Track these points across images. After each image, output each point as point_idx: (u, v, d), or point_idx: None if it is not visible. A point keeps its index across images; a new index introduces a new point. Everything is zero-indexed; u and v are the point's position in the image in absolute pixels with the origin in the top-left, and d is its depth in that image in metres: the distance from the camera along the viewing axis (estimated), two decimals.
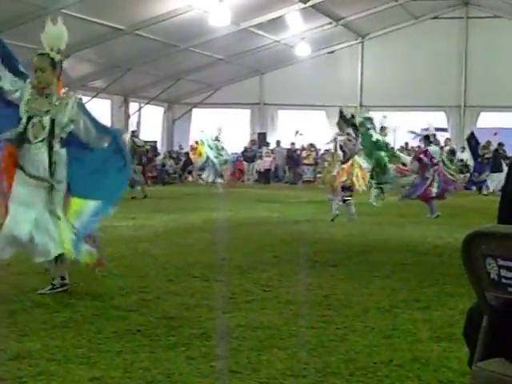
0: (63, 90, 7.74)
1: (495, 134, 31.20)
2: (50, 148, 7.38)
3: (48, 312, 6.68)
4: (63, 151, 7.48)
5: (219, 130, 26.82)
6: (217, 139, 26.57)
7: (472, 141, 30.17)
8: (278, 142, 37.29)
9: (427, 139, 18.26)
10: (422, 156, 17.93)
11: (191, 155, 29.66)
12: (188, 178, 36.39)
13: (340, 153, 16.18)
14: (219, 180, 26.45)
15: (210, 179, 26.56)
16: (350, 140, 16.22)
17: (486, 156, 29.25)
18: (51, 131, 7.38)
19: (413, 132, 32.69)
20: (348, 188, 16.08)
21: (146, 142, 27.01)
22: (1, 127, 7.46)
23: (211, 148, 26.28)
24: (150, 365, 5.18)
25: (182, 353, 5.47)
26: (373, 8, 31.83)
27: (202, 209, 18.53)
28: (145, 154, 26.88)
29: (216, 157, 26.22)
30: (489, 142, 29.77)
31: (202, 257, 10.21)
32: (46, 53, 7.56)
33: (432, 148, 17.95)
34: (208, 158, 26.16)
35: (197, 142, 27.92)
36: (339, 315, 6.75)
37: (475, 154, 29.65)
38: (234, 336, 5.94)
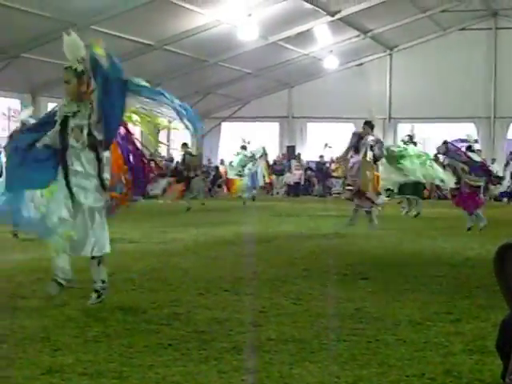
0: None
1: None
2: (94, 150, 7.57)
3: (80, 326, 6.71)
4: (106, 154, 7.67)
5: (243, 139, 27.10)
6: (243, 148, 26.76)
7: None
8: None
9: (469, 148, 18.12)
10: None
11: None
12: (218, 192, 36.43)
13: (370, 153, 16.29)
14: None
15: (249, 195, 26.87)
16: (378, 141, 16.53)
17: None
18: (90, 134, 7.53)
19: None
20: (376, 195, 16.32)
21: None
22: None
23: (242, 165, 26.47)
24: (181, 379, 5.19)
25: (214, 367, 5.47)
26: (400, 20, 31.81)
27: (231, 222, 18.55)
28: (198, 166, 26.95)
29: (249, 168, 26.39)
30: None
31: (232, 270, 10.21)
32: (69, 66, 7.97)
33: (472, 154, 17.84)
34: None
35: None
36: (370, 328, 6.73)
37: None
38: (265, 349, 5.94)
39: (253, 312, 7.33)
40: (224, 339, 6.27)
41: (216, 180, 36.43)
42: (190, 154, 25.91)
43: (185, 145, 26.67)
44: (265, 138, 38.39)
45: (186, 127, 7.88)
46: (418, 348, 6.04)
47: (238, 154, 26.97)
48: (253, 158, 26.67)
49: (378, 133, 34.80)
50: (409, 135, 20.78)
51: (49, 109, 28.32)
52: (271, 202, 30.22)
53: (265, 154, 27.57)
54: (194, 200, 23.29)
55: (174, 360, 5.64)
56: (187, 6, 24.06)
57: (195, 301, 8.00)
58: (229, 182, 28.56)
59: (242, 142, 27.21)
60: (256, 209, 24.40)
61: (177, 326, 6.77)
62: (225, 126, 39.88)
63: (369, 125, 16.74)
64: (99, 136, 7.58)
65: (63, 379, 5.15)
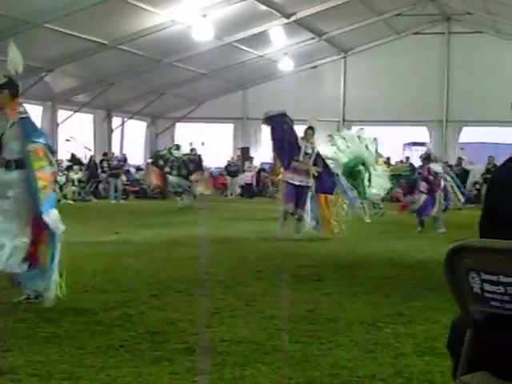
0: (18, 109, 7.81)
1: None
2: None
3: (31, 327, 6.65)
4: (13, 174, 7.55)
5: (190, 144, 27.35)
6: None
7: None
8: None
9: (427, 158, 18.34)
10: (427, 175, 17.92)
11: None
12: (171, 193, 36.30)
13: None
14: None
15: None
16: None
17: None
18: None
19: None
20: None
21: (184, 154, 27.20)
22: None
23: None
24: (133, 380, 5.17)
25: (166, 368, 5.46)
26: (355, 23, 31.96)
27: (185, 223, 18.51)
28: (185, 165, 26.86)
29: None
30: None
31: (186, 271, 10.19)
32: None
33: (433, 165, 18.06)
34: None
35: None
36: (323, 330, 6.75)
37: None
38: (218, 351, 5.94)
39: (206, 313, 7.32)
40: (176, 340, 6.25)
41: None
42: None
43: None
44: (219, 138, 38.48)
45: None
46: (369, 349, 6.08)
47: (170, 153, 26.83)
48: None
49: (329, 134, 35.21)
50: (357, 136, 20.89)
51: None
52: (225, 203, 30.21)
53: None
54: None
55: (125, 361, 5.61)
56: (142, 5, 23.94)
57: (147, 302, 7.97)
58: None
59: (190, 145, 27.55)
60: (210, 210, 24.35)
61: (128, 327, 6.74)
62: (179, 126, 39.75)
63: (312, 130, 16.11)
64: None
65: (13, 380, 5.11)
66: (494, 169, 30.71)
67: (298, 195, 15.33)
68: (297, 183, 15.32)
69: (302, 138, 15.75)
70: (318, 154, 15.77)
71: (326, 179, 15.65)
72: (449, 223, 18.29)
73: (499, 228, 3.25)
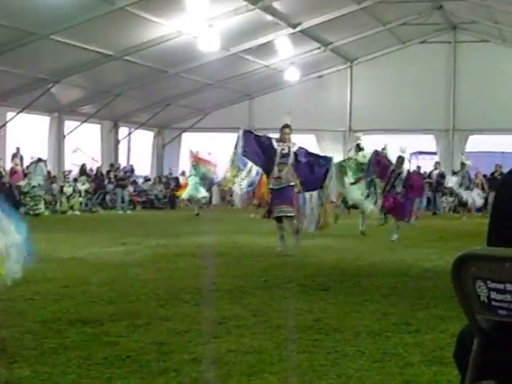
0: None
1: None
2: None
3: (37, 338, 6.64)
4: None
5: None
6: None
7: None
8: None
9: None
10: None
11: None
12: (178, 204, 36.36)
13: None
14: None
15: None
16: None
17: None
18: None
19: None
20: None
21: None
22: None
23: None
24: None
25: (173, 378, 5.44)
26: (361, 33, 31.98)
27: (192, 234, 18.49)
28: None
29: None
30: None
31: (193, 282, 10.17)
32: None
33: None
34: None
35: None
36: (330, 339, 6.73)
37: None
38: (225, 361, 5.92)
39: (212, 323, 7.30)
40: (183, 351, 6.24)
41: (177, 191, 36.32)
42: None
43: None
44: (225, 149, 38.45)
45: None
46: (376, 359, 6.06)
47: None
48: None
49: (338, 145, 35.22)
50: (357, 144, 20.84)
51: (7, 119, 28.29)
52: (232, 212, 30.19)
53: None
54: None
55: (132, 372, 5.60)
56: (148, 16, 23.99)
57: (154, 312, 7.95)
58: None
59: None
60: (216, 220, 24.36)
61: (135, 337, 6.72)
62: (185, 136, 39.77)
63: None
64: None
65: None
66: (501, 176, 30.74)
67: (280, 195, 14.31)
68: (276, 187, 14.33)
69: (278, 140, 14.89)
70: (298, 151, 14.63)
71: (318, 172, 14.60)
72: (458, 232, 18.27)
73: (507, 235, 3.24)
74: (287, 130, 14.79)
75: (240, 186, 14.35)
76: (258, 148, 14.58)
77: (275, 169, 14.35)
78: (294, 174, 14.41)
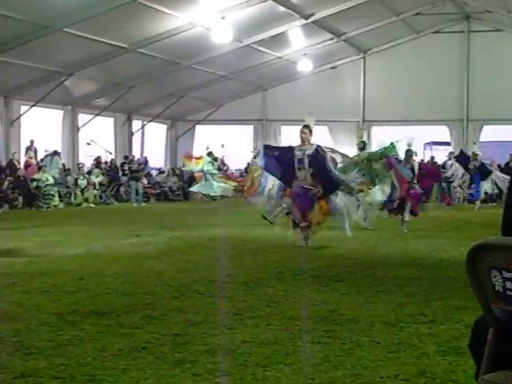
0: None
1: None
2: None
3: (53, 330, 6.67)
4: None
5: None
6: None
7: (461, 157, 29.64)
8: None
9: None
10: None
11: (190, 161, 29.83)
12: (192, 195, 36.40)
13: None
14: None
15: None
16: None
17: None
18: None
19: None
20: None
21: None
22: None
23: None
24: (155, 382, 5.18)
25: (188, 369, 5.46)
26: (374, 23, 31.87)
27: (206, 225, 18.52)
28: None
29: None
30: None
31: (207, 273, 10.19)
32: None
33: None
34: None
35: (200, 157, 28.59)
36: (345, 330, 6.74)
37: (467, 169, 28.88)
38: (240, 352, 5.93)
39: (227, 315, 7.32)
40: (198, 342, 6.26)
41: (191, 183, 36.32)
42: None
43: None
44: (239, 140, 38.49)
45: None
46: (391, 349, 6.06)
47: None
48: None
49: (352, 136, 35.11)
50: (362, 141, 20.73)
51: (21, 112, 28.37)
52: (245, 204, 30.20)
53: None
54: None
55: (147, 363, 5.62)
56: (161, 8, 23.98)
57: (169, 304, 7.98)
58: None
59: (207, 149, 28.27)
60: (230, 212, 24.37)
61: (151, 329, 6.75)
62: (199, 128, 39.78)
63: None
64: None
65: (35, 383, 5.12)
66: None
67: (301, 199, 14.03)
68: (298, 190, 13.97)
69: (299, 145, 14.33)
70: (312, 154, 14.02)
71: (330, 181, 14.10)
72: (473, 222, 18.21)
73: None
74: (305, 130, 14.17)
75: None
76: (278, 164, 14.31)
77: (298, 173, 14.05)
78: (314, 178, 14.05)
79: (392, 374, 5.33)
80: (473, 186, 28.28)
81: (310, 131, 14.21)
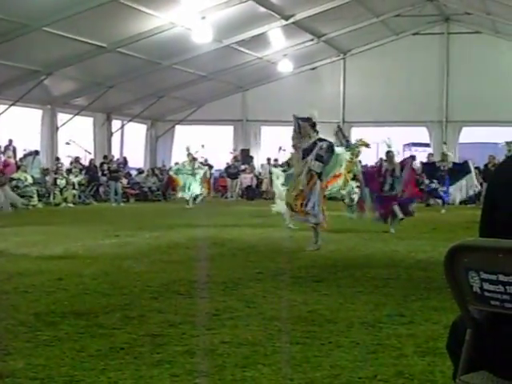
0: None
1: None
2: None
3: (31, 330, 6.64)
4: None
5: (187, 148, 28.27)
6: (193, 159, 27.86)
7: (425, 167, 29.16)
8: (269, 160, 36.79)
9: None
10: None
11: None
12: (171, 196, 36.34)
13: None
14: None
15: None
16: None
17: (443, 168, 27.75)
18: None
19: None
20: None
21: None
22: None
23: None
24: (134, 383, 5.17)
25: (167, 370, 5.45)
26: (354, 24, 31.97)
27: (185, 226, 18.50)
28: None
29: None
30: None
31: (186, 274, 10.18)
32: None
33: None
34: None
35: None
36: (324, 331, 6.75)
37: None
38: (219, 353, 5.93)
39: (206, 315, 7.31)
40: (177, 343, 6.25)
41: (169, 183, 36.26)
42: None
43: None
44: (219, 141, 38.49)
45: None
46: (370, 350, 6.07)
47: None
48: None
49: (331, 137, 35.12)
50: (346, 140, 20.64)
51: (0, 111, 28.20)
52: (225, 205, 30.22)
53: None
54: None
55: (126, 364, 5.61)
56: (141, 8, 23.94)
57: (148, 304, 7.96)
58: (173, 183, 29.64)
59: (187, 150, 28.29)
60: (209, 212, 24.36)
61: (129, 329, 6.73)
62: (179, 129, 39.75)
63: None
64: None
65: None
66: (494, 168, 30.62)
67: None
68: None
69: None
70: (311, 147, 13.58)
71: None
72: (452, 223, 18.27)
73: (499, 226, 3.25)
74: (304, 124, 13.74)
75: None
76: None
77: None
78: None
79: (370, 375, 5.35)
80: (440, 188, 27.23)
81: (310, 124, 13.82)
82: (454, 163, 27.57)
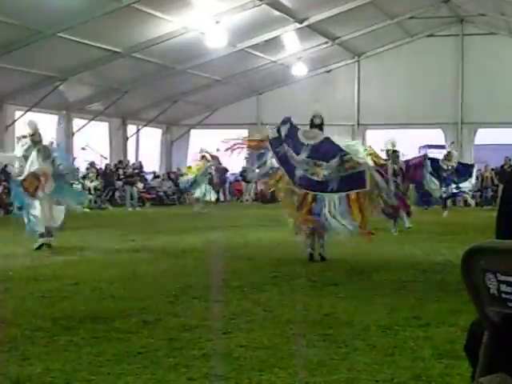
0: None
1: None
2: None
3: (48, 335, 6.66)
4: None
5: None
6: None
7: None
8: None
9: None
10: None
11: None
12: (186, 200, 36.34)
13: None
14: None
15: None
16: None
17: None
18: None
19: None
20: None
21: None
22: None
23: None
24: None
25: (183, 374, 5.45)
26: (368, 27, 31.88)
27: (200, 230, 18.51)
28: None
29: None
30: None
31: (202, 278, 10.18)
32: None
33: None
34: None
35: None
36: (340, 334, 6.73)
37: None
38: (235, 356, 5.92)
39: (222, 319, 7.31)
40: (193, 346, 6.25)
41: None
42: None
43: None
44: None
45: None
46: (387, 353, 6.06)
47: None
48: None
49: (346, 139, 35.10)
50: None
51: (16, 117, 28.31)
52: (241, 208, 30.22)
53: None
54: None
55: (143, 368, 5.61)
56: (155, 13, 23.96)
57: (164, 309, 7.97)
58: None
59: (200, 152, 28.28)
60: (225, 216, 24.36)
61: (146, 334, 6.74)
62: (194, 133, 39.79)
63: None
64: None
65: None
66: (510, 169, 30.51)
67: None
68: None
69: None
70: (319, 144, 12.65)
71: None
72: (469, 225, 18.19)
73: None
74: (310, 123, 13.15)
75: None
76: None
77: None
78: None
79: (387, 378, 5.33)
80: (443, 188, 26.68)
81: (319, 121, 13.18)
82: (461, 163, 27.30)
